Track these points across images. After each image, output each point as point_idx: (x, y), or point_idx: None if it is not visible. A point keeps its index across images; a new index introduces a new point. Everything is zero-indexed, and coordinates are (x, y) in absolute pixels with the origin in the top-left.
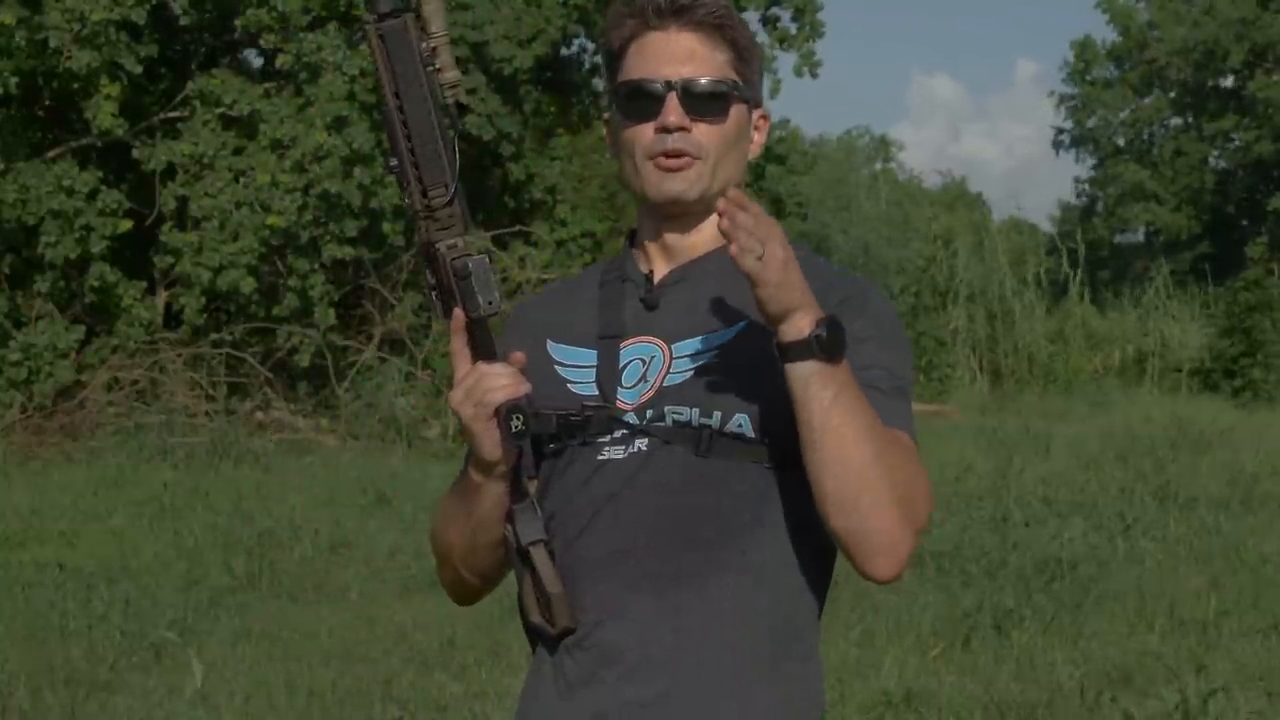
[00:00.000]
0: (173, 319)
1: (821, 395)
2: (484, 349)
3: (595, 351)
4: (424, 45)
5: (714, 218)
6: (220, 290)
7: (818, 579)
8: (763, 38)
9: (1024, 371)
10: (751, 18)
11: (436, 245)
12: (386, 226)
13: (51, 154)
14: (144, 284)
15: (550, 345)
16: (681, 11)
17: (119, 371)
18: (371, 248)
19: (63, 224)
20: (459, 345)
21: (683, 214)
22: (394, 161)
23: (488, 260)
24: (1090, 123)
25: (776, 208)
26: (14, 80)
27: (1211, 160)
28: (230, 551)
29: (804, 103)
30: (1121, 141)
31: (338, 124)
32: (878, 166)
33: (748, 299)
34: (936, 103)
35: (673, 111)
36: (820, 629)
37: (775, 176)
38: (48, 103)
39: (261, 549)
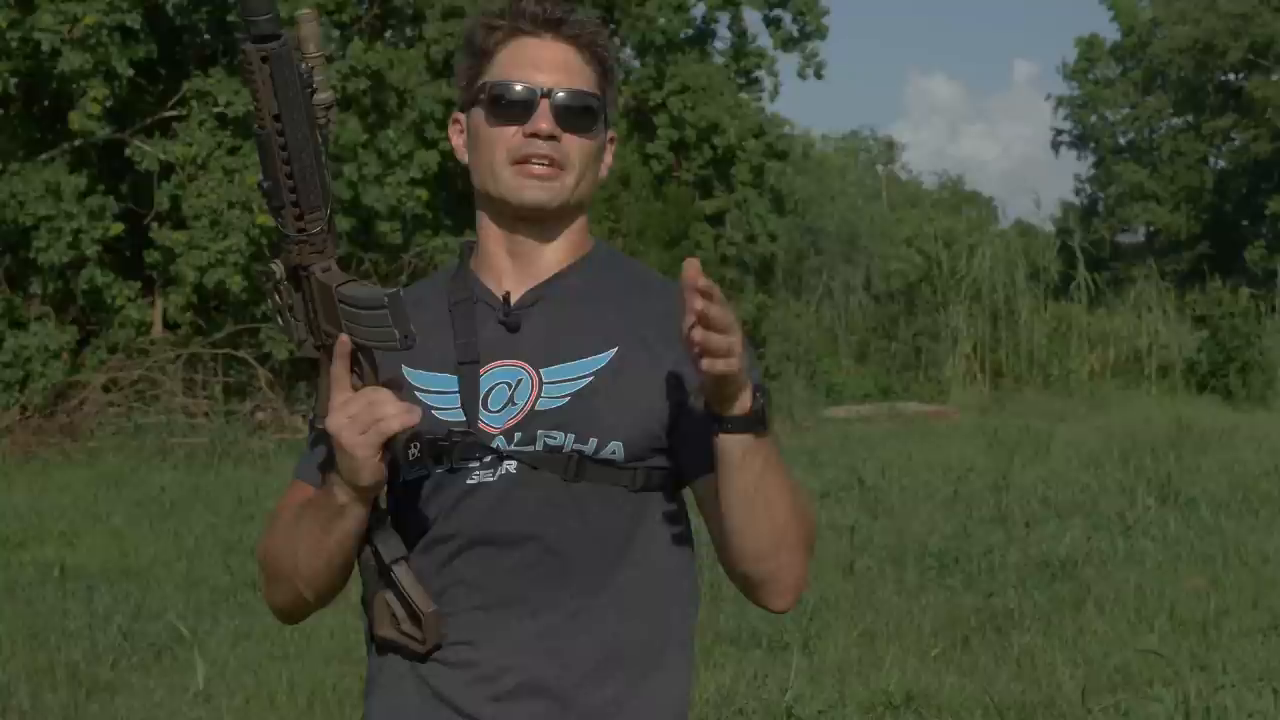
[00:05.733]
0: (171, 319)
1: (753, 464)
2: (371, 375)
3: (456, 377)
4: (303, 66)
5: (567, 229)
6: (208, 288)
7: (684, 594)
8: (765, 39)
9: (1024, 371)
10: (753, 18)
11: (311, 269)
12: (384, 226)
13: (46, 156)
14: (139, 284)
15: (406, 371)
16: (557, 24)
17: (117, 372)
18: (367, 247)
19: (53, 227)
20: (340, 370)
21: (538, 221)
22: (267, 184)
23: (400, 292)
24: (1092, 120)
25: (779, 206)
26: (13, 81)
27: (1211, 160)
28: (230, 551)
29: (802, 102)
30: (1121, 141)
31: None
32: (880, 169)
33: (611, 320)
34: (934, 103)
35: (544, 118)
36: (693, 635)
37: (776, 172)
38: (45, 103)
39: None
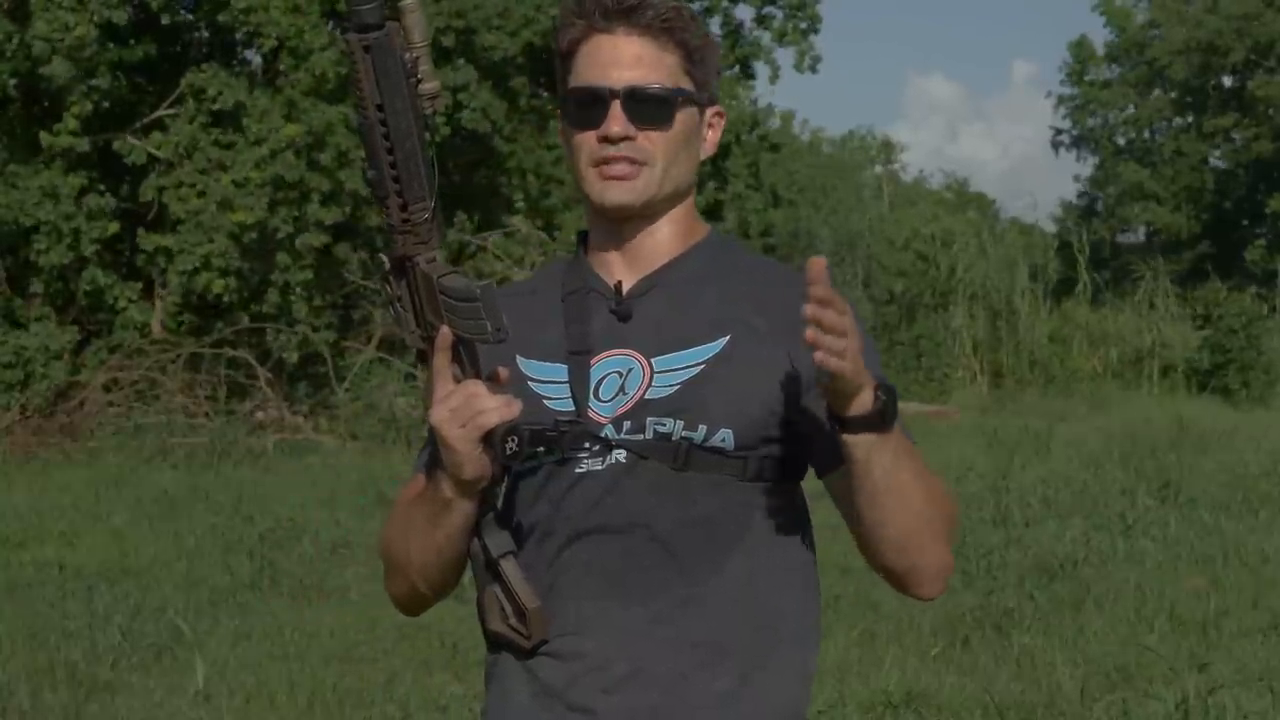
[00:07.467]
0: (166, 324)
1: (882, 460)
2: (470, 367)
3: (567, 367)
4: (407, 56)
5: (670, 218)
6: (196, 292)
7: (798, 586)
8: (759, 34)
9: (1024, 371)
10: (745, 14)
11: (416, 260)
12: (373, 213)
13: (42, 158)
14: (139, 285)
15: (520, 360)
16: (629, 13)
17: (118, 372)
18: (362, 246)
19: (52, 229)
20: (442, 363)
21: (631, 219)
22: (372, 173)
23: (494, 284)
24: (1090, 122)
25: (774, 198)
26: (12, 83)
27: (1211, 160)
28: (230, 551)
29: (801, 101)
30: (1121, 141)
31: (304, 110)
32: (878, 170)
33: (722, 307)
34: (933, 103)
35: (616, 120)
36: (815, 632)
37: (769, 164)
38: (45, 104)
39: (261, 549)
